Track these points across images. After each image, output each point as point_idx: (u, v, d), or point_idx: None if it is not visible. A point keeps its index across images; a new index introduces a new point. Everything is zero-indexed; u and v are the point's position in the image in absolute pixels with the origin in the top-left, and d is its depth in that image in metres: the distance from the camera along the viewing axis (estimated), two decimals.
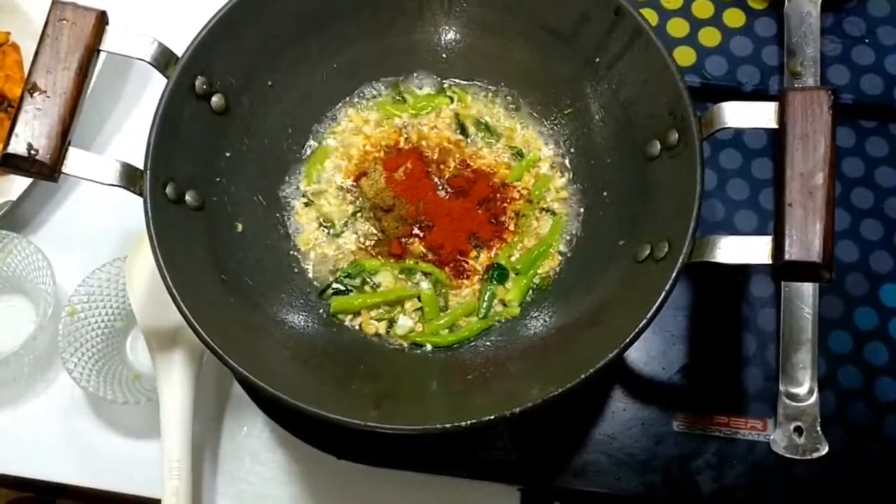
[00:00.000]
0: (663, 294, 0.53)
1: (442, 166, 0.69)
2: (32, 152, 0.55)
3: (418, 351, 0.65)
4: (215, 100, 0.63)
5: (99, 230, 0.81)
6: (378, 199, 0.67)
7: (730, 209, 0.74)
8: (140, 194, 0.57)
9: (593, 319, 0.59)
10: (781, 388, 0.68)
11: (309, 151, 0.70)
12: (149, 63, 0.59)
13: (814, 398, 0.67)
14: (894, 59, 0.76)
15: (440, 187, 0.68)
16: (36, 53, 0.56)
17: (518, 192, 0.68)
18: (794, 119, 0.53)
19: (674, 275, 0.53)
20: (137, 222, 0.57)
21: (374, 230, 0.68)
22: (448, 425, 0.51)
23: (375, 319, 0.66)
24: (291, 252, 0.68)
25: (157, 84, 0.60)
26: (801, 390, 0.68)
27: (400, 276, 0.66)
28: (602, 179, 0.66)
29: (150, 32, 0.59)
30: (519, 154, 0.70)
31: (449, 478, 0.70)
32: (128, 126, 0.85)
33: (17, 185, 0.79)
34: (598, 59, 0.64)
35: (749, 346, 0.70)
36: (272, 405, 0.69)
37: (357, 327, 0.66)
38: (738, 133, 0.76)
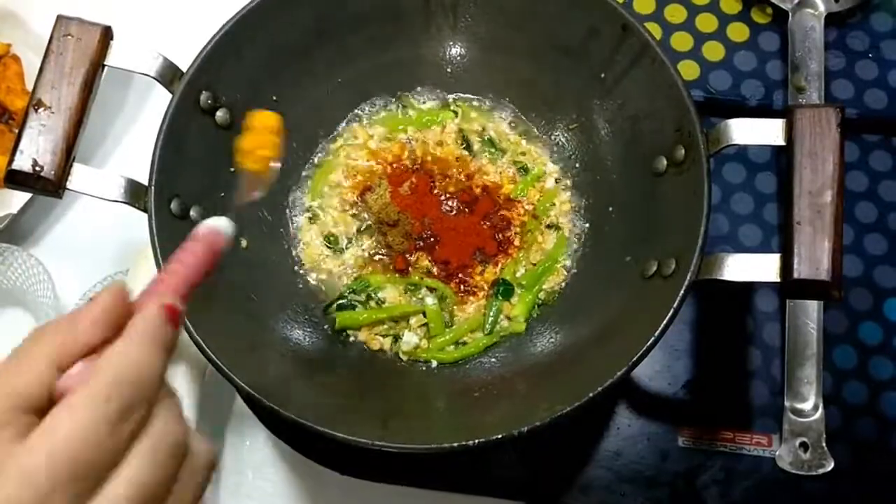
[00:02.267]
0: (671, 312, 0.53)
1: (447, 181, 0.69)
2: (37, 168, 0.54)
3: (424, 367, 0.64)
4: (220, 114, 0.62)
5: (100, 243, 0.80)
6: (383, 215, 0.67)
7: (734, 223, 0.74)
8: (145, 210, 0.56)
9: (600, 336, 0.59)
10: (787, 403, 0.68)
11: (313, 166, 0.70)
12: (153, 78, 0.59)
13: (819, 413, 0.67)
14: None
15: (445, 202, 0.68)
16: (41, 69, 0.56)
17: (523, 207, 0.68)
18: (802, 136, 0.53)
19: (682, 293, 0.53)
20: (139, 236, 0.57)
21: (379, 245, 0.67)
22: (456, 444, 0.51)
23: (380, 335, 0.65)
24: (296, 267, 0.67)
25: (158, 97, 0.59)
26: (807, 406, 0.67)
27: (405, 291, 0.66)
28: (608, 195, 0.66)
29: (155, 47, 0.59)
30: (524, 169, 0.69)
31: (455, 494, 0.69)
32: (129, 139, 0.85)
33: (18, 197, 0.78)
34: (604, 75, 0.64)
35: (754, 361, 0.70)
36: (275, 420, 0.68)
37: (362, 343, 0.65)
38: (742, 147, 0.75)
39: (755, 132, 0.55)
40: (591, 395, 0.52)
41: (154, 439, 0.35)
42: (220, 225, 0.42)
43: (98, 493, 0.33)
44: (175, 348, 0.37)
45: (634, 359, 0.53)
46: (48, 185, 0.55)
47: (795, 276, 0.50)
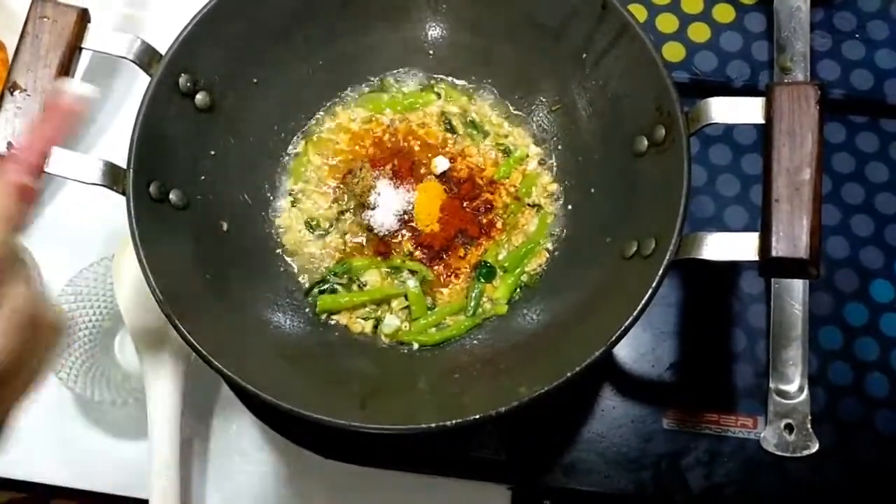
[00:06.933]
0: (650, 291, 0.53)
1: (429, 163, 0.68)
2: (13, 151, 0.54)
3: (405, 350, 0.64)
4: (200, 97, 0.62)
5: (86, 229, 0.81)
6: (365, 198, 0.67)
7: (719, 205, 0.73)
8: (123, 193, 0.56)
9: (581, 316, 0.59)
10: (771, 384, 0.68)
11: (295, 150, 0.70)
12: (131, 61, 0.58)
13: (804, 395, 0.67)
14: (884, 54, 0.76)
15: None
16: (16, 51, 0.56)
17: (506, 189, 0.68)
18: (780, 114, 0.52)
19: (661, 272, 0.53)
20: (123, 223, 0.56)
21: (360, 228, 0.67)
22: (433, 425, 0.51)
23: (362, 318, 0.65)
24: (277, 251, 0.67)
25: (143, 84, 0.59)
26: (792, 387, 0.67)
27: (387, 274, 0.66)
28: (589, 176, 0.66)
29: (133, 30, 0.59)
30: (506, 151, 0.69)
31: (438, 478, 0.69)
32: (114, 127, 0.85)
33: None
34: (585, 55, 0.64)
35: (739, 343, 0.70)
36: (258, 404, 0.68)
37: (343, 326, 0.65)
38: (728, 129, 0.75)
39: (734, 110, 0.54)
40: (569, 374, 0.51)
41: (4, 308, 0.38)
42: (81, 91, 0.46)
43: None
44: (22, 221, 0.42)
45: (613, 338, 0.52)
46: None
47: (773, 254, 0.50)
